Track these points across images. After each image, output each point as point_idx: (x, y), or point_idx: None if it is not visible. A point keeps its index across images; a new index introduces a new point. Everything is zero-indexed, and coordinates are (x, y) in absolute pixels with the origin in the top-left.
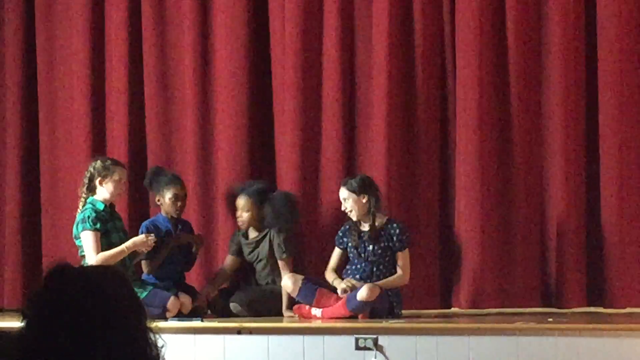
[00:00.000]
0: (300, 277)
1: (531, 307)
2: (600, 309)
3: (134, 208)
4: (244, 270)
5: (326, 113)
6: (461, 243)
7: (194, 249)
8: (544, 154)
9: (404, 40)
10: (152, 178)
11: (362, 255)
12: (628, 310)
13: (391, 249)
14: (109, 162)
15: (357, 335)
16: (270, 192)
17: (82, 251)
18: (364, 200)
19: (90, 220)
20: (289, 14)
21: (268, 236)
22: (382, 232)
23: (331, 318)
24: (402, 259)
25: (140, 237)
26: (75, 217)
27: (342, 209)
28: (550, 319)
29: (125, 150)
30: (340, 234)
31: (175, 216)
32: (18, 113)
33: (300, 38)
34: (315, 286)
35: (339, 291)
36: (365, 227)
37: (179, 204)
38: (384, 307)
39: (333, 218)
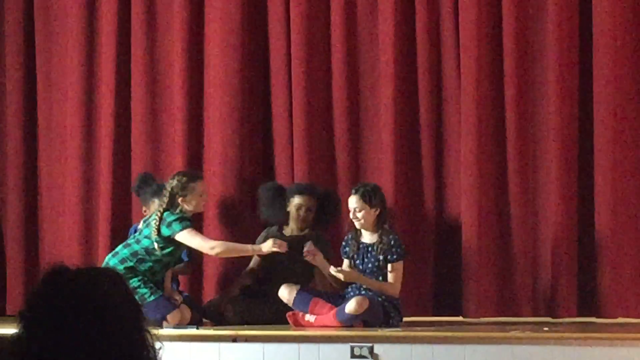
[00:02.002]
0: (295, 287)
1: (524, 316)
2: (593, 319)
3: (118, 213)
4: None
5: (335, 125)
6: (458, 251)
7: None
8: (538, 165)
9: (407, 53)
10: (139, 187)
11: (361, 267)
12: (620, 320)
13: (387, 260)
14: (185, 178)
15: (352, 344)
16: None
17: (140, 244)
18: (376, 213)
19: (186, 219)
20: (295, 27)
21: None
22: (381, 244)
23: (322, 327)
24: (394, 270)
25: (269, 245)
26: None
27: (351, 216)
28: (546, 328)
29: (110, 154)
30: (344, 244)
31: None
32: (16, 123)
33: (306, 50)
34: (310, 295)
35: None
36: (366, 238)
37: None
38: (377, 319)
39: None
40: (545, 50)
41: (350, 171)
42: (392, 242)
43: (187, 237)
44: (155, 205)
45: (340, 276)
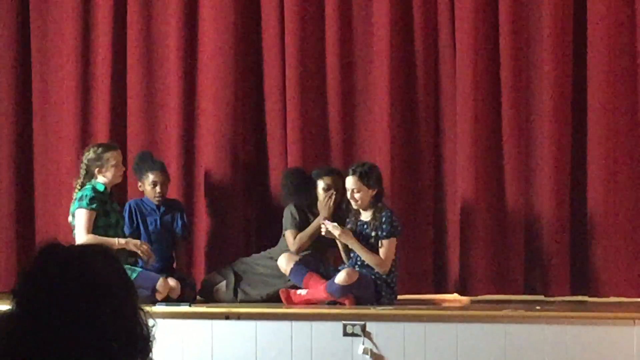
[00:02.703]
0: (295, 258)
1: (518, 294)
2: (585, 298)
3: (114, 190)
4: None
5: (329, 101)
6: (453, 230)
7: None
8: (533, 145)
9: (403, 30)
10: (136, 163)
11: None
12: (612, 299)
13: (378, 237)
14: (100, 149)
15: (345, 322)
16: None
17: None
18: (373, 193)
19: (87, 198)
20: (288, 3)
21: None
22: (374, 221)
23: (313, 299)
24: (384, 246)
25: (136, 242)
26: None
27: (348, 196)
28: (538, 307)
29: (107, 131)
30: (347, 220)
31: (155, 202)
32: (11, 97)
33: (300, 27)
34: (306, 269)
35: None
36: (363, 216)
37: (157, 189)
38: (368, 295)
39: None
40: (540, 25)
41: (345, 149)
42: (384, 219)
43: (77, 216)
44: (148, 180)
45: (337, 232)
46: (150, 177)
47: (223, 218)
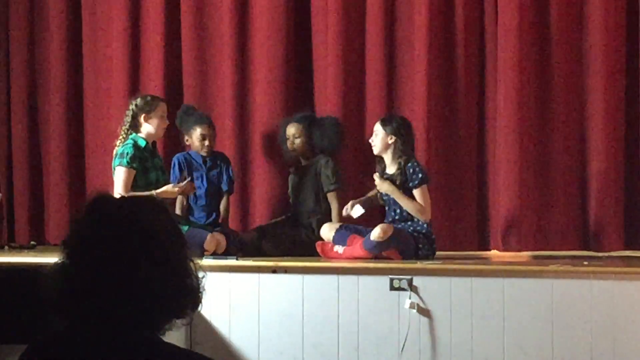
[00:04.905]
0: (336, 225)
1: (569, 250)
2: (638, 253)
3: (169, 145)
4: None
5: (369, 51)
6: (500, 184)
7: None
8: (584, 95)
9: None
10: (182, 117)
11: (385, 198)
12: None
13: (410, 189)
14: (149, 97)
15: (392, 276)
16: (316, 119)
17: None
18: (390, 141)
19: (128, 156)
20: None
21: (315, 167)
22: (400, 174)
23: (350, 257)
24: (420, 194)
25: (170, 187)
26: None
27: (370, 140)
28: (586, 263)
29: (162, 88)
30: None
31: (203, 155)
32: (62, 56)
33: None
34: (347, 232)
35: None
36: (389, 169)
37: (206, 143)
38: (409, 247)
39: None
40: None
41: (387, 102)
42: (411, 170)
43: (117, 173)
44: (197, 133)
45: (377, 182)
46: (199, 130)
47: (275, 173)
